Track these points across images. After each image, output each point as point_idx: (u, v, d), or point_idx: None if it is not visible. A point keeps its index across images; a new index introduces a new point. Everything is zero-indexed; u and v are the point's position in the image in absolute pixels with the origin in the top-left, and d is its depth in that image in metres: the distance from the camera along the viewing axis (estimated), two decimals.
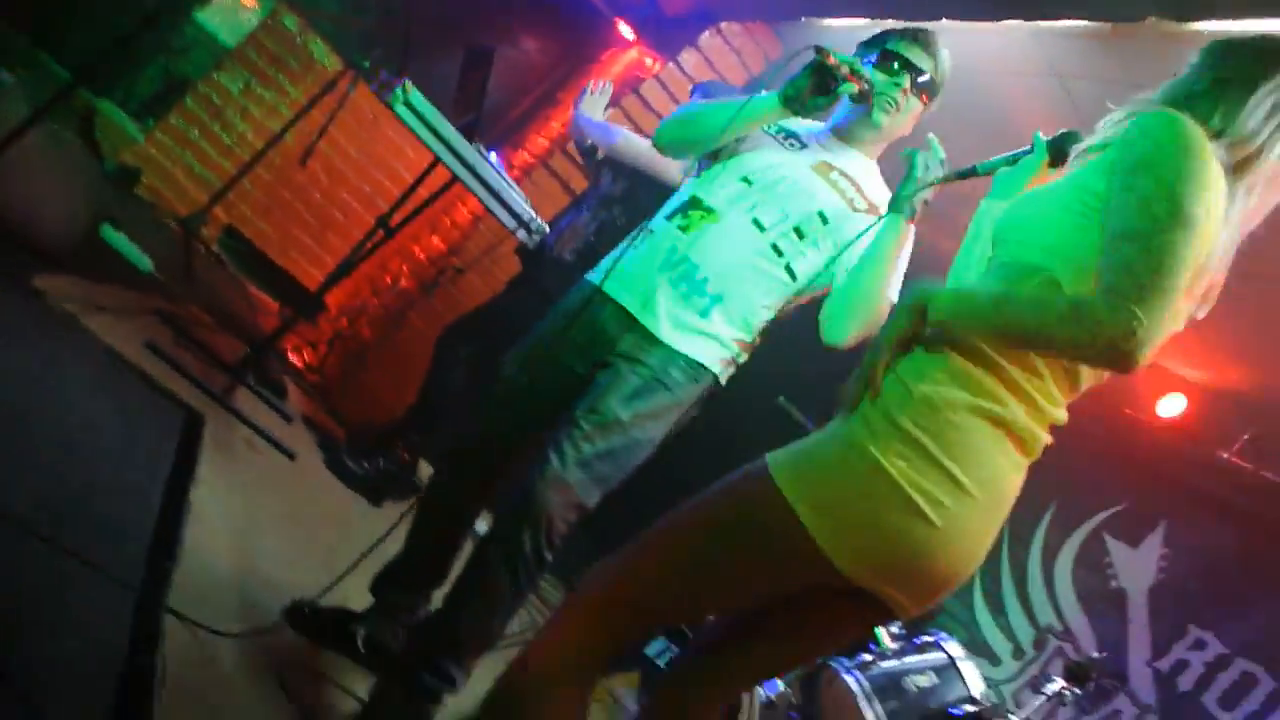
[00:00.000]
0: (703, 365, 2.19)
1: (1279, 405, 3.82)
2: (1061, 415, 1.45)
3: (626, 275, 2.23)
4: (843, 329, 2.08)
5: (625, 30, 5.05)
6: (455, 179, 3.10)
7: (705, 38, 4.64)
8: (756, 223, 2.18)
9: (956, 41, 2.26)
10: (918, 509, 1.34)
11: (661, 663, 2.88)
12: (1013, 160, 1.75)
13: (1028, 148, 1.73)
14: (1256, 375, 3.86)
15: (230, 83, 5.11)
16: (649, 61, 4.95)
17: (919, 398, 1.38)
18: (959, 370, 1.39)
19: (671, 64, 4.63)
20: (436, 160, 3.06)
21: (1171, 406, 4.22)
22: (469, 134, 3.08)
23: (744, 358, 2.30)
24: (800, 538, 1.36)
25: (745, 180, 2.23)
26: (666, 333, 2.17)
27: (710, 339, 2.20)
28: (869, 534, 1.36)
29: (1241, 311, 1.47)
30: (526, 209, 3.30)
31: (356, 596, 2.48)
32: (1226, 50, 1.47)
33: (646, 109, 4.61)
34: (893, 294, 2.04)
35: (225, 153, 5.13)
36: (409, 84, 2.84)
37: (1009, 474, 1.41)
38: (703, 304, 2.17)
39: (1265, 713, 3.68)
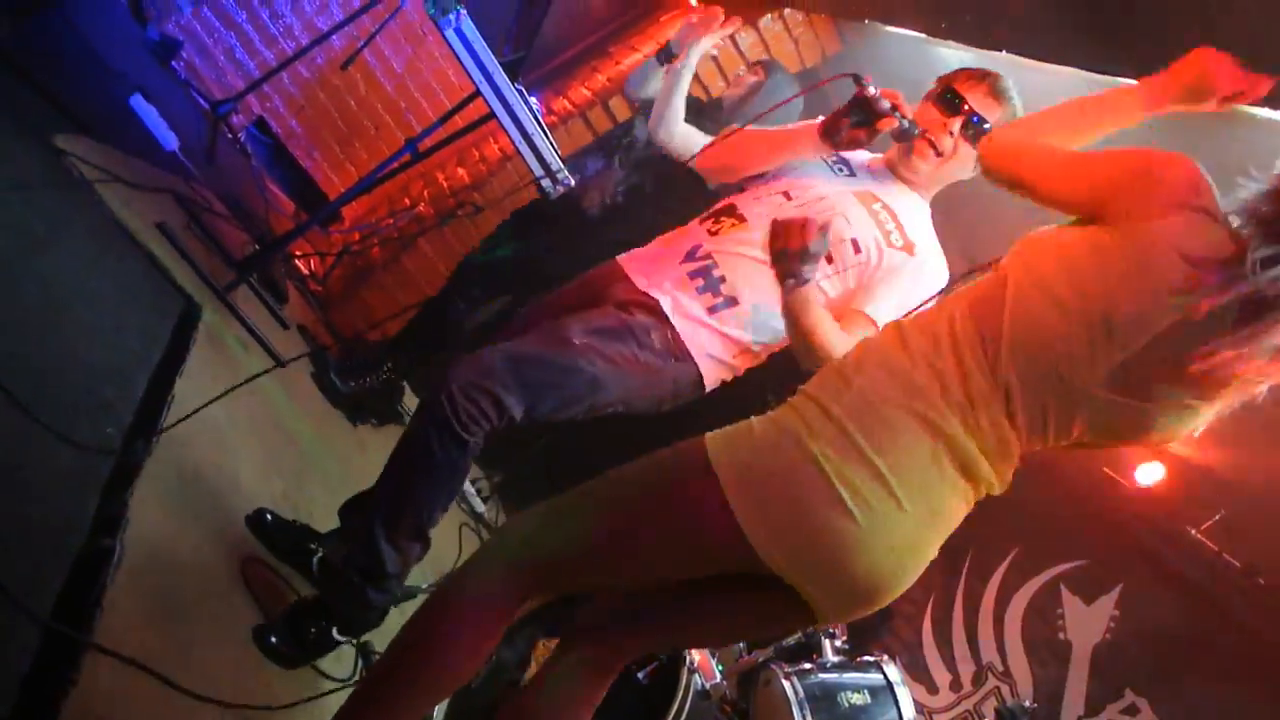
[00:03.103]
0: (689, 352, 2.14)
1: (1253, 491, 3.82)
2: (1008, 449, 1.39)
3: (647, 258, 2.24)
4: None
5: None
6: (492, 115, 3.07)
7: (766, 21, 4.58)
8: None
9: (1006, 73, 2.21)
10: (842, 502, 1.33)
11: None
12: None
13: None
14: (1237, 457, 3.85)
15: None
16: None
17: (855, 390, 1.38)
18: (896, 369, 1.39)
19: (727, 40, 4.56)
20: (476, 93, 3.04)
21: (1150, 474, 4.22)
22: (513, 72, 3.04)
23: (740, 365, 2.26)
24: (720, 510, 1.35)
25: (785, 195, 2.22)
26: (666, 305, 2.15)
27: (706, 331, 2.16)
28: (789, 517, 1.35)
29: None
30: (556, 159, 3.28)
31: (323, 516, 2.48)
32: None
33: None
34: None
35: (269, 42, 5.08)
36: (463, 11, 2.81)
37: (945, 492, 1.38)
38: (715, 301, 2.15)
39: None
